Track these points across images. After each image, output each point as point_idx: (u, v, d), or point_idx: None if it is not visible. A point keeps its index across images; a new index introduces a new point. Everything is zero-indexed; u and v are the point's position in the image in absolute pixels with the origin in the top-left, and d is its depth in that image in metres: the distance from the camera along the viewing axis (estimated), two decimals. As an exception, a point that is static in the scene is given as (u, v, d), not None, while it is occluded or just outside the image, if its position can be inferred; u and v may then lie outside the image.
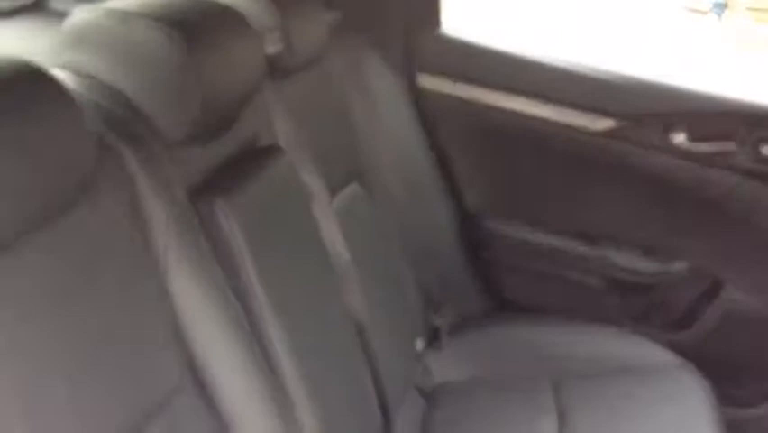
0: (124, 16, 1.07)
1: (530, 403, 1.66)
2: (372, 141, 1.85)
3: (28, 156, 0.80)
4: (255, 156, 1.30)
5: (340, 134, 1.71)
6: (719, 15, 6.33)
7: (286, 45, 1.44)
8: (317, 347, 1.27)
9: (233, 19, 1.22)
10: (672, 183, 1.88)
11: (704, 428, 1.56)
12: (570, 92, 1.90)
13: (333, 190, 1.54)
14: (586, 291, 2.01)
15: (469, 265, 2.03)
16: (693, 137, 1.84)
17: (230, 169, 1.21)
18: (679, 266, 1.93)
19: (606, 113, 1.88)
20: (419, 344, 1.77)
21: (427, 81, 1.95)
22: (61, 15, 1.16)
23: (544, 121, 1.91)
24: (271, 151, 1.34)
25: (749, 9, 6.02)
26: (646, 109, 1.88)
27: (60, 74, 0.99)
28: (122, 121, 1.02)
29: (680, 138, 1.84)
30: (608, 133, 1.89)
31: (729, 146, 1.82)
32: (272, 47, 1.41)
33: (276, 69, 1.42)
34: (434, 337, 1.85)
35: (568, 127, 1.90)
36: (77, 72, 1.03)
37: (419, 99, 1.95)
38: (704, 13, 6.49)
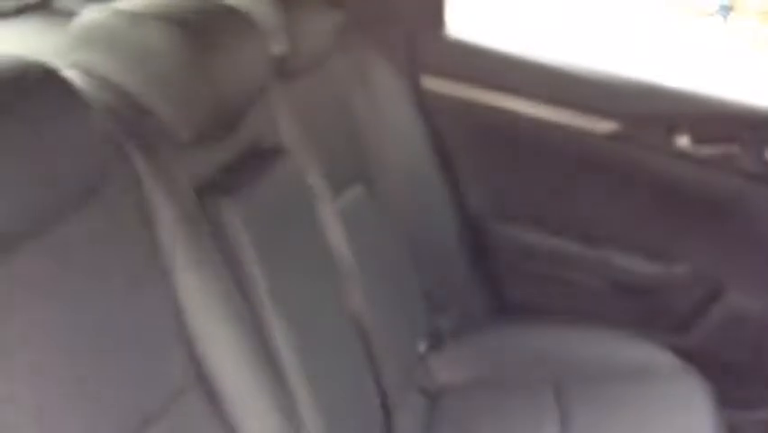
0: (133, 17, 1.08)
1: (532, 405, 1.66)
2: (376, 142, 1.86)
3: (37, 155, 0.80)
4: (261, 156, 1.30)
5: (344, 136, 1.71)
6: (725, 17, 6.34)
7: (291, 46, 1.44)
8: (320, 348, 1.28)
9: (240, 20, 1.23)
10: (675, 186, 1.88)
11: (706, 432, 1.56)
12: (573, 94, 1.90)
13: (337, 191, 1.54)
14: (588, 294, 2.01)
15: (472, 267, 2.03)
16: (697, 140, 1.84)
17: (236, 169, 1.22)
18: (681, 269, 1.94)
19: (609, 115, 1.88)
20: (422, 345, 1.77)
21: (431, 83, 1.96)
22: (67, 15, 1.16)
23: (548, 123, 1.91)
24: (277, 151, 1.35)
25: (758, 13, 6.02)
26: (650, 112, 1.88)
27: (69, 74, 0.99)
28: (130, 121, 1.03)
29: (683, 141, 1.84)
30: (611, 136, 1.89)
31: (733, 149, 1.82)
32: (277, 48, 1.42)
33: (281, 70, 1.43)
34: (436, 339, 1.86)
35: (571, 129, 1.91)
36: (86, 72, 1.03)
37: (423, 101, 1.96)
38: (710, 14, 6.50)
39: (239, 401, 1.05)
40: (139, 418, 0.90)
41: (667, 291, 1.97)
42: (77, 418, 0.82)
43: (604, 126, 1.89)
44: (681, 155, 1.85)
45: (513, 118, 1.93)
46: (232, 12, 1.23)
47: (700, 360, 1.76)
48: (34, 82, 0.84)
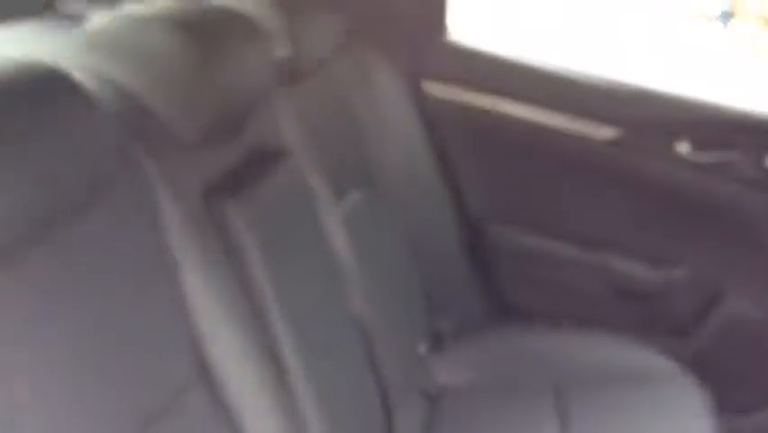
0: (140, 21, 1.09)
1: (531, 409, 1.67)
2: (378, 146, 1.87)
3: (45, 157, 0.81)
4: (265, 159, 1.31)
5: (346, 139, 1.72)
6: (725, 23, 6.34)
7: (294, 50, 1.45)
8: (323, 348, 1.28)
9: (244, 25, 1.24)
10: (675, 192, 1.89)
11: None
12: (574, 100, 1.91)
13: (339, 194, 1.55)
14: (587, 298, 2.02)
15: (472, 270, 2.04)
16: (696, 146, 1.85)
17: (241, 171, 1.23)
18: (681, 274, 1.94)
19: (610, 121, 1.89)
20: (422, 347, 1.78)
21: (433, 87, 1.97)
22: (72, 18, 1.18)
23: (548, 128, 1.92)
24: (280, 154, 1.36)
25: (758, 18, 6.02)
26: (650, 118, 1.89)
27: (78, 76, 1.00)
28: (137, 123, 1.04)
29: (683, 147, 1.85)
30: (611, 142, 1.90)
31: (732, 155, 1.83)
32: (280, 52, 1.43)
33: (284, 75, 1.44)
34: (436, 341, 1.87)
35: (572, 135, 1.92)
36: (94, 75, 1.04)
37: (424, 105, 1.97)
38: (710, 19, 6.50)
39: (242, 402, 1.05)
40: (142, 416, 0.90)
41: (666, 296, 1.98)
42: (80, 414, 0.82)
43: (604, 132, 1.90)
44: (681, 161, 1.85)
45: (513, 123, 1.94)
46: (236, 16, 1.24)
47: (699, 364, 1.77)
48: (44, 84, 0.84)
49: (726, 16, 6.22)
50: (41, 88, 0.84)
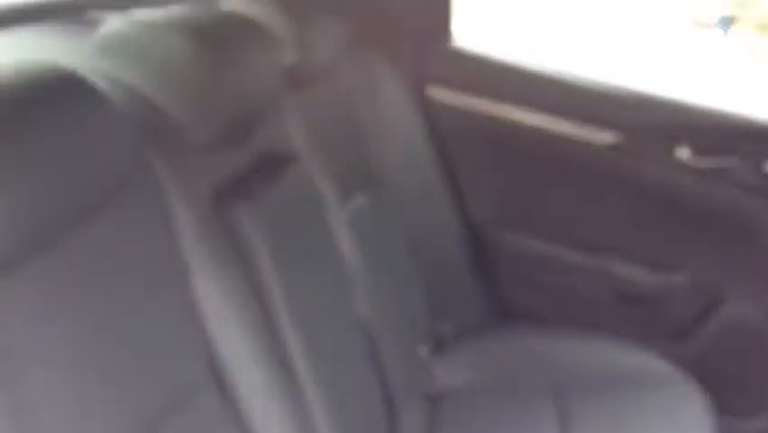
0: (154, 27, 1.10)
1: (532, 411, 1.67)
2: (382, 151, 1.88)
3: (61, 160, 0.82)
4: (273, 163, 1.33)
5: (351, 144, 1.73)
6: (725, 30, 6.32)
7: (301, 56, 1.47)
8: (330, 351, 1.29)
9: (255, 31, 1.26)
10: (675, 197, 1.90)
11: None
12: (576, 105, 1.92)
13: (344, 198, 1.56)
14: (588, 302, 2.02)
15: (474, 274, 2.05)
16: (697, 151, 1.85)
17: (250, 175, 1.24)
18: (681, 279, 1.95)
19: (611, 126, 1.90)
20: (424, 350, 1.79)
21: (437, 93, 1.98)
22: (88, 23, 1.20)
23: (551, 133, 1.93)
24: (289, 159, 1.37)
25: (756, 26, 6.02)
26: (651, 123, 1.89)
27: (93, 80, 1.02)
28: (150, 127, 1.05)
29: (683, 152, 1.86)
30: (612, 147, 1.91)
31: (732, 161, 1.84)
32: (288, 58, 1.44)
33: (291, 79, 1.45)
34: (438, 343, 1.87)
35: (573, 140, 1.93)
36: (109, 79, 1.06)
37: (429, 111, 1.98)
38: (708, 26, 6.49)
39: (252, 405, 1.06)
40: (151, 418, 0.91)
41: (666, 301, 1.98)
42: (91, 414, 0.83)
43: (605, 137, 1.91)
44: (682, 166, 1.86)
45: (516, 128, 1.95)
46: (246, 23, 1.26)
47: (699, 368, 1.77)
48: (59, 87, 0.86)
49: (726, 23, 6.20)
50: (57, 91, 0.85)
